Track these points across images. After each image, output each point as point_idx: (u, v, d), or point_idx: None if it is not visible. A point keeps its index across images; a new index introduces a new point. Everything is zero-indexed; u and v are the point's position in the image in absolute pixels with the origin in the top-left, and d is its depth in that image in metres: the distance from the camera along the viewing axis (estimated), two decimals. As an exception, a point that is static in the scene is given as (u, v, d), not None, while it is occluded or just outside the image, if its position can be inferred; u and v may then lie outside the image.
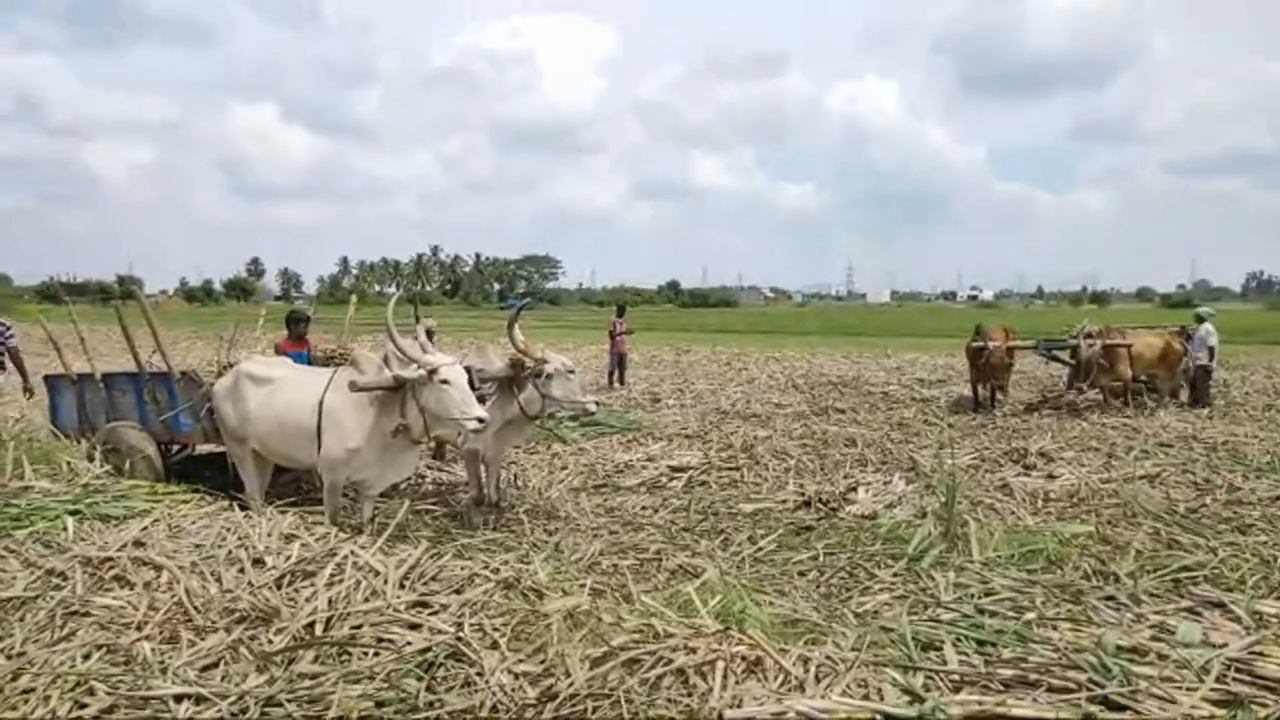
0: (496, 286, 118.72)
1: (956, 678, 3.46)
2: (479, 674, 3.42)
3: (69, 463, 6.51)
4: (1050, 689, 3.29)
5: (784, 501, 7.30)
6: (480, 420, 5.21)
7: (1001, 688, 3.34)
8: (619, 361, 15.83)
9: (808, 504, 7.15)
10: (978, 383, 12.73)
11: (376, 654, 3.60)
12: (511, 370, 6.39)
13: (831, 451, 9.27)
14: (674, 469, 8.44)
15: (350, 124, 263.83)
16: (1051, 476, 7.82)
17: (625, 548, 6.11)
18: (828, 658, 3.46)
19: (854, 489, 7.47)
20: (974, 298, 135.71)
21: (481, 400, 5.70)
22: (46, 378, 7.81)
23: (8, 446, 6.75)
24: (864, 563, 5.61)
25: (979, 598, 4.73)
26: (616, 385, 15.39)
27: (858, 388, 15.28)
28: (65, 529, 5.10)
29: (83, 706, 3.16)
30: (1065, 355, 12.84)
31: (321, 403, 5.46)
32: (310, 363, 7.25)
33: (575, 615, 3.80)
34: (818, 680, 3.27)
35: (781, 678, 3.27)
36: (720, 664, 3.30)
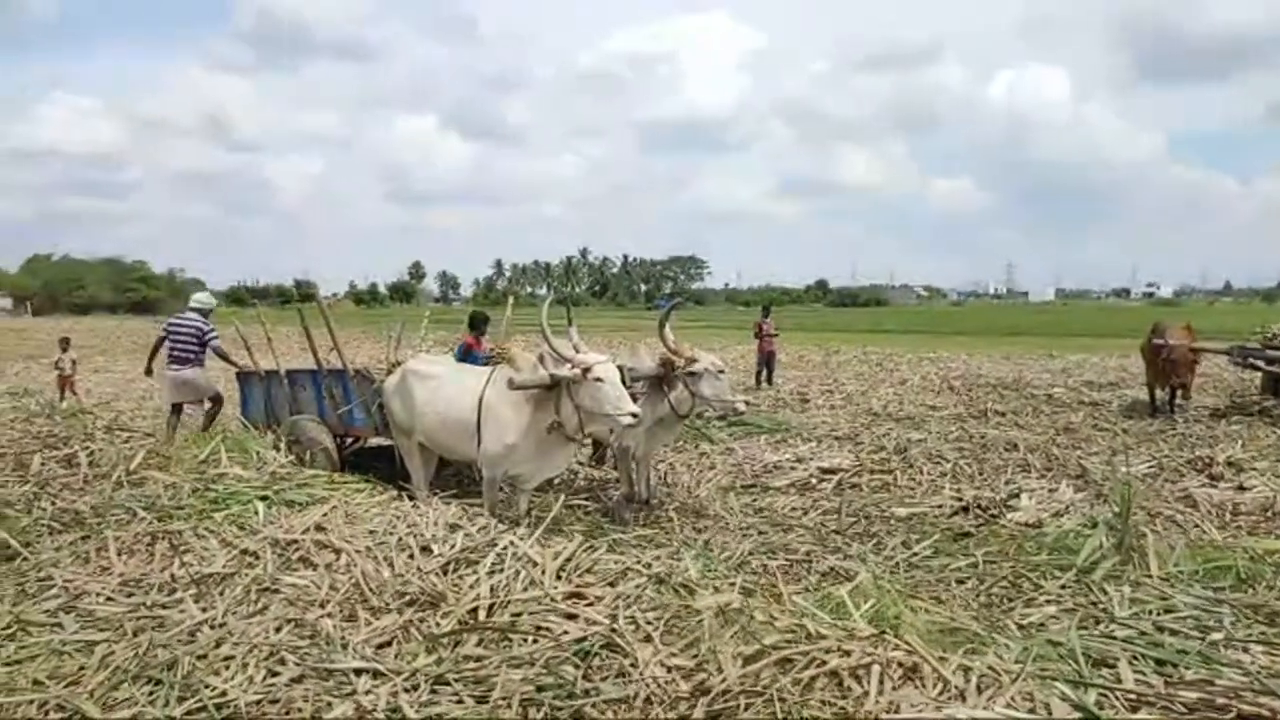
0: (643, 287, 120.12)
1: (1133, 697, 3.26)
2: (633, 665, 3.50)
3: (258, 452, 7.08)
4: (1240, 715, 3.05)
5: (940, 506, 7.07)
6: (634, 415, 5.32)
7: (1184, 710, 3.12)
8: (767, 361, 15.72)
9: (965, 509, 6.89)
10: (1156, 385, 11.84)
11: (535, 641, 3.74)
12: (662, 369, 6.48)
13: (991, 456, 8.88)
14: (824, 470, 8.31)
15: (503, 130, 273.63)
16: (1242, 488, 7.21)
17: (774, 548, 6.09)
18: (990, 668, 3.33)
19: (1016, 495, 7.13)
20: (1150, 295, 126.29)
21: (633, 399, 5.81)
22: (237, 374, 8.53)
23: (208, 436, 7.44)
24: (1028, 573, 5.35)
25: (1157, 615, 4.43)
26: (764, 385, 15.29)
27: (1019, 390, 14.54)
28: (256, 513, 5.55)
29: (275, 675, 3.45)
30: (1263, 363, 11.54)
31: (481, 399, 5.72)
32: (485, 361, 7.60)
33: (727, 612, 3.83)
34: (979, 691, 3.16)
35: (940, 686, 3.18)
36: (876, 668, 3.24)
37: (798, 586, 5.20)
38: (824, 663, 3.31)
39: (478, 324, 8.11)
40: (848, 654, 3.35)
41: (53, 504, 6.03)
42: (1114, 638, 4.11)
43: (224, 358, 9.10)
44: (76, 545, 5.18)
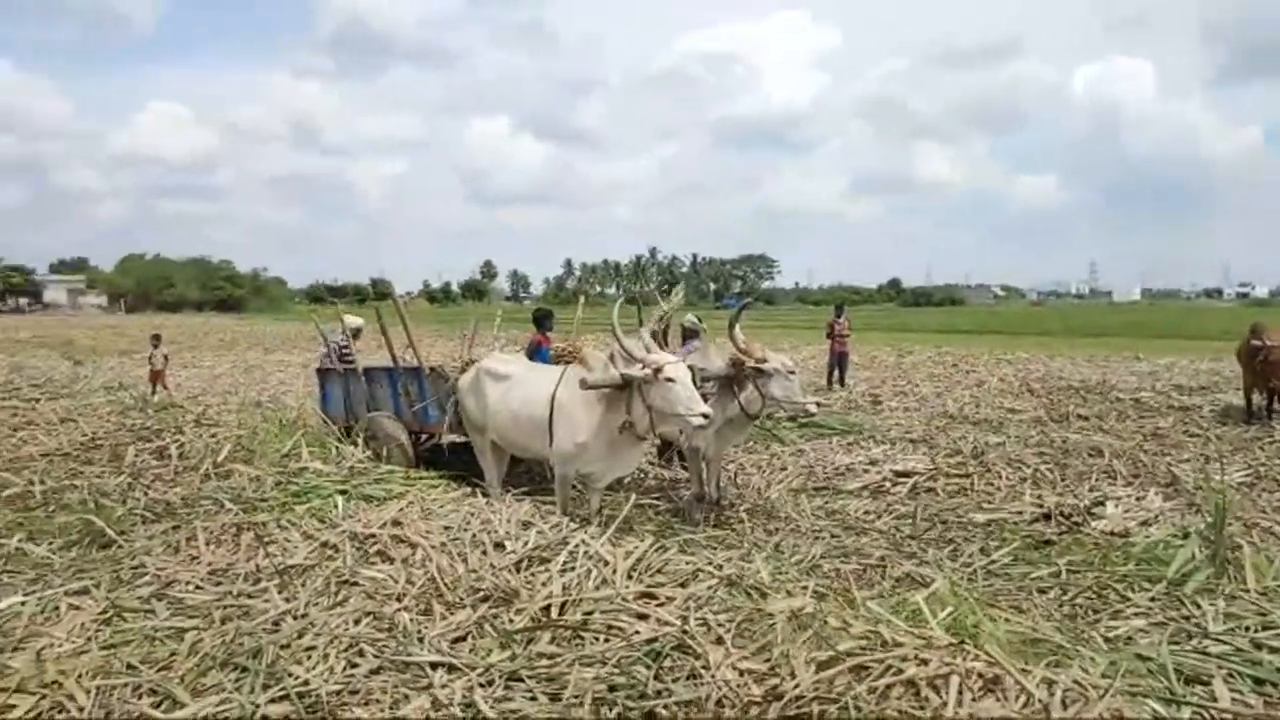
0: (712, 286, 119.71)
1: (1229, 717, 3.12)
2: (704, 667, 3.48)
3: (337, 447, 7.28)
4: (1348, 740, 2.89)
5: (1020, 513, 6.87)
6: (706, 416, 5.29)
7: (1286, 733, 2.97)
8: (839, 361, 15.49)
9: (1047, 517, 6.68)
10: (1253, 389, 11.30)
11: (607, 640, 3.75)
12: (732, 369, 6.44)
13: (1074, 461, 8.59)
14: (898, 474, 8.16)
15: (575, 131, 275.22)
16: (1346, 499, 6.85)
17: (847, 552, 6.00)
18: (1076, 682, 3.22)
19: (1101, 503, 6.89)
20: (1244, 295, 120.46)
21: (703, 399, 5.78)
22: (317, 370, 8.76)
23: (291, 432, 7.67)
24: (1114, 583, 5.16)
25: (1255, 631, 4.22)
26: (836, 386, 15.08)
27: (1104, 393, 14.03)
28: (336, 507, 5.71)
29: (354, 666, 3.53)
30: None
31: (554, 398, 5.77)
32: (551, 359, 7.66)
33: (800, 616, 3.78)
34: (1065, 705, 3.06)
35: (1023, 699, 3.08)
36: (955, 679, 3.16)
37: (871, 592, 5.11)
38: (900, 671, 3.24)
39: (542, 321, 8.23)
40: (925, 663, 3.27)
41: (146, 494, 6.30)
42: (1208, 654, 3.94)
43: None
44: (168, 535, 5.40)
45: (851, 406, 12.97)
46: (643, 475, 8.10)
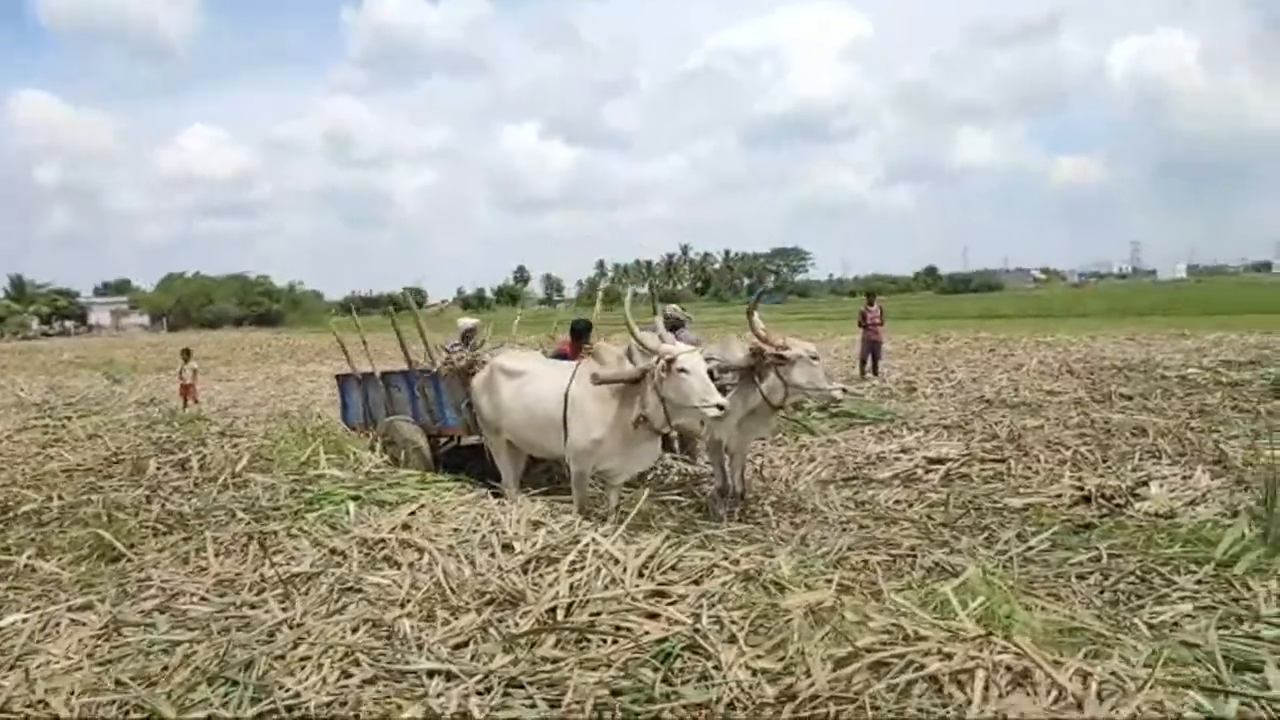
0: (746, 281, 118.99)
1: (1284, 707, 2.86)
2: (716, 667, 3.30)
3: (355, 453, 7.19)
4: None
5: (1058, 496, 6.58)
6: (720, 407, 5.10)
7: (1347, 723, 2.71)
8: (872, 350, 15.18)
9: (1087, 499, 6.39)
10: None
11: (615, 641, 3.58)
12: (753, 359, 6.23)
13: (1116, 442, 8.23)
14: (931, 460, 7.88)
15: (606, 134, 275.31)
16: None
17: (876, 543, 5.76)
18: (1113, 674, 2.98)
19: (1144, 483, 6.57)
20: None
21: (723, 390, 5.59)
22: (337, 377, 8.71)
23: (312, 438, 7.60)
24: (1158, 566, 4.88)
25: (1312, 612, 3.94)
26: (869, 375, 14.78)
27: (1147, 372, 13.54)
28: (348, 513, 5.59)
29: (348, 676, 3.39)
30: None
31: (567, 394, 5.60)
32: None
33: (818, 611, 3.58)
34: (1100, 699, 2.82)
35: (1055, 694, 2.85)
36: (981, 673, 2.94)
37: (900, 583, 4.88)
38: (922, 666, 3.03)
39: (580, 333, 7.27)
40: (949, 657, 3.06)
41: (162, 506, 6.24)
42: (1260, 639, 3.68)
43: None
44: (178, 546, 5.32)
45: (885, 395, 12.66)
46: (665, 471, 7.90)
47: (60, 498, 6.45)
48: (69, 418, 12.28)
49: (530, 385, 5.99)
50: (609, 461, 5.67)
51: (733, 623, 3.57)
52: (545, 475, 7.57)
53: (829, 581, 4.22)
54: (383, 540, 4.94)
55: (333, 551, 4.89)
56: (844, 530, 6.14)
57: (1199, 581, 4.60)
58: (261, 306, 75.47)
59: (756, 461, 8.23)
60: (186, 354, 14.82)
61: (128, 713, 3.19)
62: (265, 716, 3.11)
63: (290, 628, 3.83)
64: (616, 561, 4.19)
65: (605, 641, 3.59)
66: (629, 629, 3.64)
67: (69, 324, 73.96)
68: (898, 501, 6.88)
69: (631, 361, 5.67)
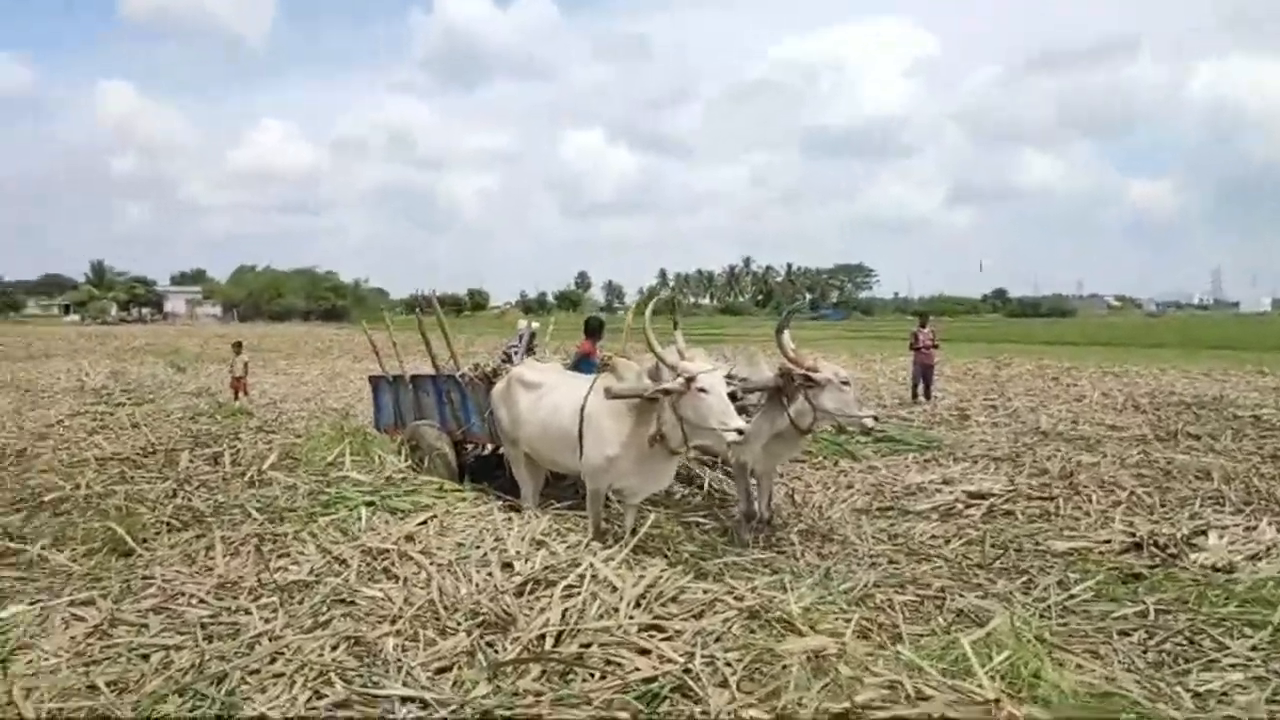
0: (808, 296, 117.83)
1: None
2: (704, 713, 3.09)
3: (380, 456, 7.12)
4: None
5: (1107, 541, 6.17)
6: (739, 431, 4.87)
7: None
8: (924, 374, 14.72)
9: (1139, 546, 5.98)
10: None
11: (602, 676, 3.39)
12: (780, 380, 5.97)
13: (1177, 485, 7.74)
14: (972, 495, 7.50)
15: (669, 141, 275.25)
16: None
17: (904, 581, 5.46)
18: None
19: (1202, 532, 6.13)
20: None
21: (745, 411, 5.36)
22: (370, 378, 8.68)
23: (342, 439, 7.56)
24: (1210, 627, 4.51)
25: (1379, 692, 3.56)
26: (921, 399, 14.32)
27: (1219, 410, 12.82)
28: (359, 518, 5.50)
29: (320, 696, 3.26)
30: None
31: (583, 409, 5.43)
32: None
33: (819, 658, 3.34)
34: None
35: (1067, 776, 2.57)
36: (985, 746, 2.67)
37: (923, 628, 4.59)
38: (922, 732, 2.77)
39: (593, 330, 7.81)
40: (952, 724, 2.79)
41: (186, 501, 6.25)
42: (1316, 720, 3.31)
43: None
44: (190, 544, 5.29)
45: (934, 421, 12.22)
46: (693, 492, 7.66)
47: (88, 487, 6.51)
48: (121, 404, 12.56)
49: (547, 398, 5.83)
50: (625, 480, 5.47)
51: (727, 665, 3.35)
52: (572, 489, 7.41)
53: (847, 621, 3.97)
54: (386, 550, 4.82)
55: (336, 559, 4.79)
56: (872, 564, 5.85)
57: (1254, 648, 4.23)
58: (328, 301, 77.14)
59: (790, 485, 7.95)
60: (238, 347, 15.06)
61: (91, 721, 3.10)
62: (225, 736, 2.99)
63: (270, 640, 3.71)
64: (614, 589, 4.00)
65: (592, 676, 3.40)
66: (619, 664, 3.45)
67: (145, 311, 76.56)
68: (933, 537, 6.55)
69: (646, 378, 5.45)
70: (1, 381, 16.39)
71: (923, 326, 14.97)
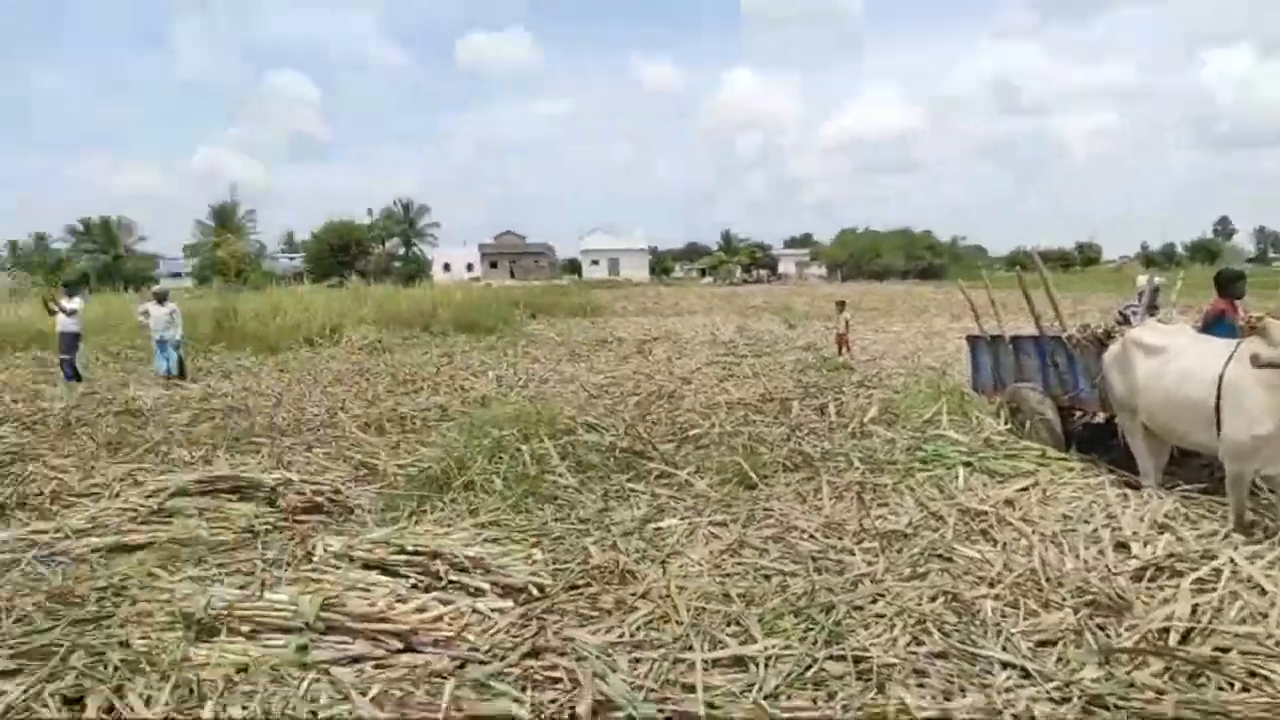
0: None
1: None
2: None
3: (977, 417, 7.02)
4: None
5: None
6: None
7: None
8: None
9: None
10: None
11: (1244, 689, 2.93)
12: None
13: None
14: None
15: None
16: None
17: None
18: None
19: None
20: None
21: None
22: (968, 338, 8.55)
23: (939, 397, 7.66)
24: None
25: None
26: None
27: None
28: (956, 477, 5.52)
29: (919, 644, 3.38)
30: None
31: (1222, 378, 4.62)
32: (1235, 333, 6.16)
33: None
34: None
35: None
36: None
37: None
38: None
39: (1229, 284, 6.36)
40: None
41: (798, 446, 6.94)
42: None
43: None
44: (801, 484, 5.88)
45: None
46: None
47: (720, 426, 7.62)
48: (744, 356, 14.38)
49: (1173, 364, 5.07)
50: (1275, 465, 4.53)
51: None
52: (1206, 470, 6.41)
53: None
54: (984, 513, 4.77)
55: (933, 515, 4.89)
56: None
57: None
58: (924, 260, 77.54)
59: None
60: (841, 305, 15.99)
61: (728, 624, 3.66)
62: (835, 660, 3.27)
63: (871, 582, 3.95)
64: (1263, 592, 3.39)
65: (1230, 686, 2.95)
66: (1264, 676, 2.94)
67: (763, 273, 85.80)
68: None
69: None
70: (661, 334, 19.89)
71: None
